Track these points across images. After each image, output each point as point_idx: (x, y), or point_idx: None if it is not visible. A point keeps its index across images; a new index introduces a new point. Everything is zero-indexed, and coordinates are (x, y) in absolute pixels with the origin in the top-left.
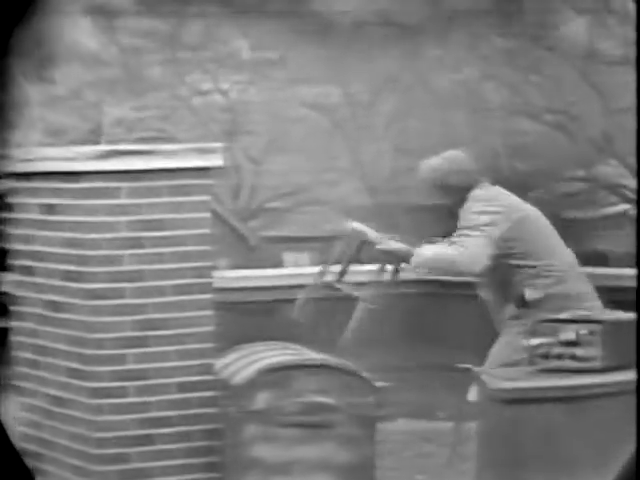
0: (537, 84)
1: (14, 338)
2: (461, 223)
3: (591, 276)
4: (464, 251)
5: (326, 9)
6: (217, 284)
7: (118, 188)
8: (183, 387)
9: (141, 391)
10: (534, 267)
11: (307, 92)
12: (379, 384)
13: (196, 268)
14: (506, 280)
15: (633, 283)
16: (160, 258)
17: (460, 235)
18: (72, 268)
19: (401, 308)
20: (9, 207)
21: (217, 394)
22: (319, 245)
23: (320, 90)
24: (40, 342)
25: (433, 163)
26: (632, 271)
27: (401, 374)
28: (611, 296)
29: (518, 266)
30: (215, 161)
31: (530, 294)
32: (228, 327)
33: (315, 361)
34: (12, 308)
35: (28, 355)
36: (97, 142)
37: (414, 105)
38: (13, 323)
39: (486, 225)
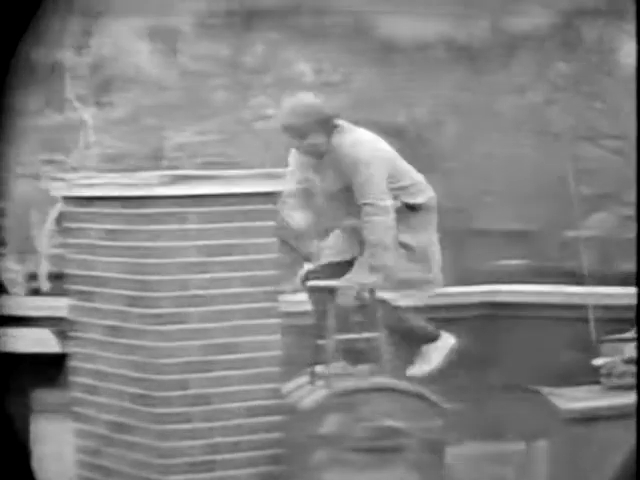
0: (599, 109)
1: (72, 363)
2: (361, 179)
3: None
4: (387, 219)
5: (388, 32)
6: (283, 308)
7: (184, 213)
8: (250, 412)
9: (206, 416)
10: (412, 184)
11: (370, 115)
12: (447, 407)
13: (263, 292)
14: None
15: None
16: (227, 283)
17: (373, 199)
18: (135, 293)
19: (460, 332)
20: (68, 232)
21: (284, 419)
22: None
23: (383, 113)
24: (99, 367)
25: (305, 102)
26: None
27: (468, 396)
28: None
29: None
30: (281, 186)
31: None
32: (295, 351)
33: (383, 384)
34: (70, 334)
35: (86, 380)
36: (156, 167)
37: (478, 128)
38: (71, 349)
39: (386, 178)
